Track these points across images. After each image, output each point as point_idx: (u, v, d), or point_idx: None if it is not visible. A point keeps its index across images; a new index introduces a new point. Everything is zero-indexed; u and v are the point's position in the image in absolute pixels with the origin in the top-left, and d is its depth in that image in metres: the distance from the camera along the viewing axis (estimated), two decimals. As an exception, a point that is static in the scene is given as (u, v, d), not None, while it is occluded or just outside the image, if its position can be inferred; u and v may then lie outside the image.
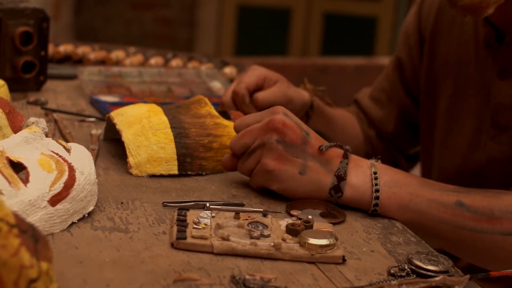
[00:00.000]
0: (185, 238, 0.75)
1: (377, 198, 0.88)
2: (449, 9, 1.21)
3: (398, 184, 0.90)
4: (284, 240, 0.77)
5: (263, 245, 0.75)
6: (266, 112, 0.92)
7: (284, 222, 0.81)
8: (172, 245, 0.75)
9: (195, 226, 0.78)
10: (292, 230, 0.78)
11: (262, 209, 0.86)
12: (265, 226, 0.80)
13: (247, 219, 0.80)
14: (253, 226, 0.79)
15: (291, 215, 0.85)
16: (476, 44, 1.15)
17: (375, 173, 0.89)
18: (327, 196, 0.89)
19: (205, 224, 0.78)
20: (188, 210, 0.82)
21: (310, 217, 0.81)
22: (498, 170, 1.12)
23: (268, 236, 0.77)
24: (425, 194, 0.89)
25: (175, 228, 0.77)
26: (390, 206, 0.89)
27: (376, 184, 0.89)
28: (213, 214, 0.81)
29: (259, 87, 1.15)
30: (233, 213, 0.81)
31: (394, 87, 1.33)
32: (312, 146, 0.90)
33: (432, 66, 1.25)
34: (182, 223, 0.78)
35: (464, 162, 1.18)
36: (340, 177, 0.89)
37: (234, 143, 0.92)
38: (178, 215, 0.80)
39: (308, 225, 0.80)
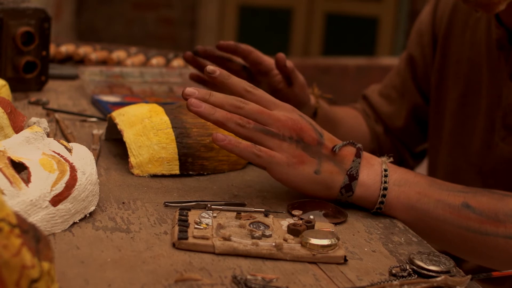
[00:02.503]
0: (186, 238, 0.75)
1: (383, 196, 0.89)
2: (463, 10, 1.21)
3: (407, 183, 0.90)
4: (285, 240, 0.77)
5: (265, 245, 0.75)
6: (281, 106, 0.90)
7: (286, 222, 0.81)
8: (173, 245, 0.75)
9: (196, 226, 0.78)
10: (293, 230, 0.78)
11: (263, 209, 0.86)
12: (267, 226, 0.80)
13: (248, 219, 0.80)
14: (254, 226, 0.79)
15: (293, 215, 0.85)
16: (488, 45, 1.15)
17: (385, 170, 0.89)
18: (337, 195, 0.89)
19: (207, 224, 0.78)
20: (189, 210, 0.82)
21: (311, 217, 0.81)
22: (509, 171, 1.12)
23: (270, 236, 0.77)
24: (433, 194, 0.89)
25: (176, 228, 0.77)
26: (398, 205, 0.89)
27: (385, 182, 0.89)
28: (215, 214, 0.81)
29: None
30: (235, 213, 0.81)
31: (406, 84, 1.34)
32: (326, 147, 0.89)
33: (444, 65, 1.25)
34: (183, 223, 0.78)
35: (476, 162, 1.18)
36: (352, 176, 0.89)
37: (248, 110, 0.88)
38: (180, 215, 0.80)
39: (310, 225, 0.80)
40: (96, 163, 0.90)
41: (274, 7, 5.33)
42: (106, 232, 0.78)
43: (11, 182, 0.73)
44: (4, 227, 0.54)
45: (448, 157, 1.24)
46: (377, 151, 1.37)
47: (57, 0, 4.48)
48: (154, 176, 0.96)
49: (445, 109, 1.25)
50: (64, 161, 0.79)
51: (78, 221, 0.79)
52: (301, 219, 0.81)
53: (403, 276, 0.73)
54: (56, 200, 0.75)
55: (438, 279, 0.72)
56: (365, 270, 0.74)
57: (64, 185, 0.77)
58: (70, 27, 4.88)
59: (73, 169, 0.79)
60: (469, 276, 0.73)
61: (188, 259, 0.73)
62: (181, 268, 0.71)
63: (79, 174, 0.79)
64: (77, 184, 0.78)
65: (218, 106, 0.87)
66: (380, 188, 0.89)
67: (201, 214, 0.80)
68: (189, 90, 0.87)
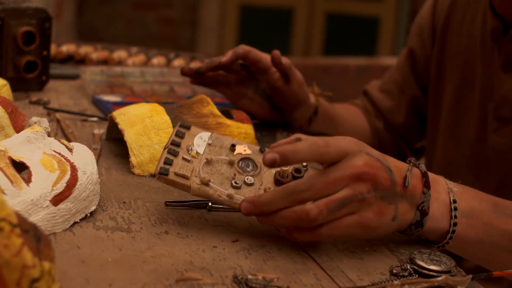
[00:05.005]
0: (167, 174, 0.75)
1: (453, 232, 0.81)
2: (462, 3, 1.22)
3: (474, 214, 0.82)
4: (265, 191, 0.76)
5: (238, 199, 0.74)
6: (339, 153, 0.75)
7: (276, 169, 0.77)
8: (153, 175, 0.75)
9: (185, 155, 0.76)
10: (278, 181, 0.76)
11: None
12: (255, 167, 0.76)
13: (241, 154, 0.77)
14: (243, 165, 0.76)
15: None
16: (483, 37, 1.16)
17: (454, 201, 0.81)
18: (405, 230, 0.80)
19: (196, 153, 0.76)
20: (189, 128, 0.78)
21: (304, 165, 0.77)
22: (501, 163, 1.12)
23: (251, 184, 0.75)
24: (499, 223, 0.83)
25: (164, 155, 0.76)
26: (465, 239, 0.82)
27: (455, 217, 0.81)
28: (210, 141, 0.78)
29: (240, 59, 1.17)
30: (230, 145, 0.78)
31: (406, 78, 1.34)
32: (398, 184, 0.78)
33: (441, 58, 1.26)
34: (174, 148, 0.76)
35: (468, 155, 1.18)
36: (424, 212, 0.79)
37: (314, 194, 0.73)
38: (176, 135, 0.77)
39: (298, 175, 0.76)
40: (97, 163, 0.90)
41: (274, 7, 5.33)
42: (107, 231, 0.78)
43: (12, 182, 0.73)
44: (5, 227, 0.54)
45: (443, 149, 1.24)
46: (378, 147, 1.37)
47: (57, 0, 4.48)
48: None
49: (442, 103, 1.25)
50: (65, 161, 0.79)
51: (79, 220, 0.79)
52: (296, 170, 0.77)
53: (404, 276, 0.73)
54: (57, 200, 0.75)
55: (439, 278, 0.72)
56: (366, 269, 0.74)
57: (65, 184, 0.77)
58: (70, 27, 4.88)
59: (74, 169, 0.79)
60: (470, 276, 0.73)
61: (189, 258, 0.73)
62: (182, 267, 0.71)
63: (80, 174, 0.79)
64: (78, 183, 0.78)
65: (277, 208, 0.73)
66: (450, 224, 0.81)
67: (198, 137, 0.77)
68: (244, 205, 0.74)
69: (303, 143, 0.74)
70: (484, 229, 0.82)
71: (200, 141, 0.77)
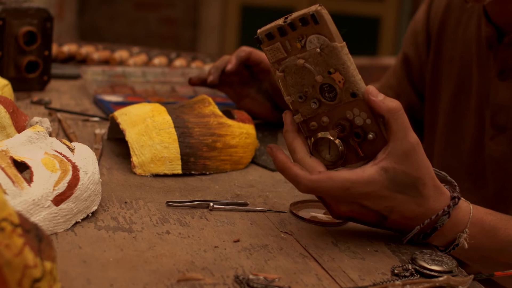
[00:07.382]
0: (260, 43, 0.74)
1: (457, 245, 0.82)
2: (456, 7, 1.21)
3: (476, 252, 0.84)
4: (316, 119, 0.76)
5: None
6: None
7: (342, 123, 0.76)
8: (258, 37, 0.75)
9: (290, 41, 0.73)
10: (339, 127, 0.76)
11: (265, 209, 0.86)
12: (334, 98, 0.74)
13: (333, 81, 0.74)
14: (326, 88, 0.74)
15: (294, 214, 0.85)
16: (478, 44, 1.15)
17: (457, 245, 0.81)
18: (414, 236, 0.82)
19: (301, 47, 0.73)
20: (316, 24, 0.73)
21: (368, 134, 0.76)
22: (498, 170, 1.12)
23: (311, 108, 0.75)
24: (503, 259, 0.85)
25: (274, 28, 0.73)
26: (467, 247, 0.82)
27: (456, 245, 0.81)
28: (319, 50, 0.73)
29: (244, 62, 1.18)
30: (328, 71, 0.74)
31: (401, 84, 1.34)
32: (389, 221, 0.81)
33: (437, 64, 1.25)
34: (286, 30, 0.73)
35: (466, 162, 1.18)
36: (435, 229, 0.81)
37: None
38: (300, 19, 0.73)
39: (357, 140, 0.75)
40: (99, 163, 0.90)
41: (276, 7, 5.33)
42: (108, 231, 0.78)
43: (13, 182, 0.73)
44: (7, 227, 0.54)
45: (440, 156, 1.24)
46: None
47: (59, 0, 4.49)
48: (157, 175, 0.96)
49: (438, 108, 1.25)
50: (67, 161, 0.79)
51: (80, 220, 0.79)
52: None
53: (405, 276, 0.73)
54: (58, 200, 0.75)
55: (441, 279, 0.72)
56: (368, 269, 0.74)
57: (66, 184, 0.77)
58: (72, 26, 4.88)
59: (75, 169, 0.79)
60: (472, 276, 0.73)
61: (190, 258, 0.73)
62: (183, 267, 0.71)
63: (81, 174, 0.79)
64: (80, 183, 0.78)
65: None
66: (452, 246, 0.82)
67: (317, 36, 0.73)
68: (268, 149, 0.79)
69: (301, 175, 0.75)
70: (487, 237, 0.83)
71: (315, 40, 0.73)
